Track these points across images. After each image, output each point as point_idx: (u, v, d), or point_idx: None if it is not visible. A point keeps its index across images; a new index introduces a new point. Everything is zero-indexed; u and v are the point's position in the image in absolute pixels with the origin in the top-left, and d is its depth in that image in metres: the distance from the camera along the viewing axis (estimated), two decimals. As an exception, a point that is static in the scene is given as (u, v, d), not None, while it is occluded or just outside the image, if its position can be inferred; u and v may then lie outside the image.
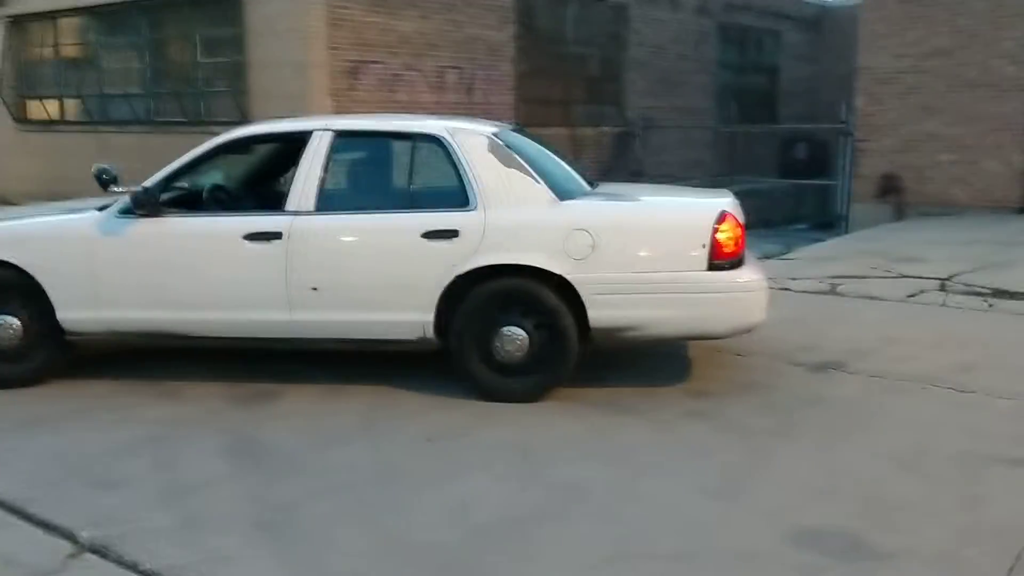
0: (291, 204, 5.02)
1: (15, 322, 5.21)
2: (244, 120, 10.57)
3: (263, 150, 5.71)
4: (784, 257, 9.69)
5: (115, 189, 5.19)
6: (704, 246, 4.79)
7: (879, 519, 3.52)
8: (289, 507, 3.68)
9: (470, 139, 5.06)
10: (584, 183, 5.57)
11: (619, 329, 4.88)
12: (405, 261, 4.91)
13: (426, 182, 5.16)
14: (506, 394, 4.92)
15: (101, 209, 5.23)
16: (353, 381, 5.27)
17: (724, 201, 5.06)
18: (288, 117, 6.26)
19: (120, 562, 3.27)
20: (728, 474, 3.97)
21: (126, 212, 5.11)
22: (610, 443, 4.36)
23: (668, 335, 5.00)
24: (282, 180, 5.20)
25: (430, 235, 4.86)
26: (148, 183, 5.13)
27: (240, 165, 5.67)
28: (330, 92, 11.57)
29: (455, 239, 4.84)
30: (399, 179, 5.25)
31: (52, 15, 14.70)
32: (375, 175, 5.38)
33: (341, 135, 5.18)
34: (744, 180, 14.70)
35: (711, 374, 5.42)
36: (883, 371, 5.42)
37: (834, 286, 7.88)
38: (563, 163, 5.69)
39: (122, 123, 13.77)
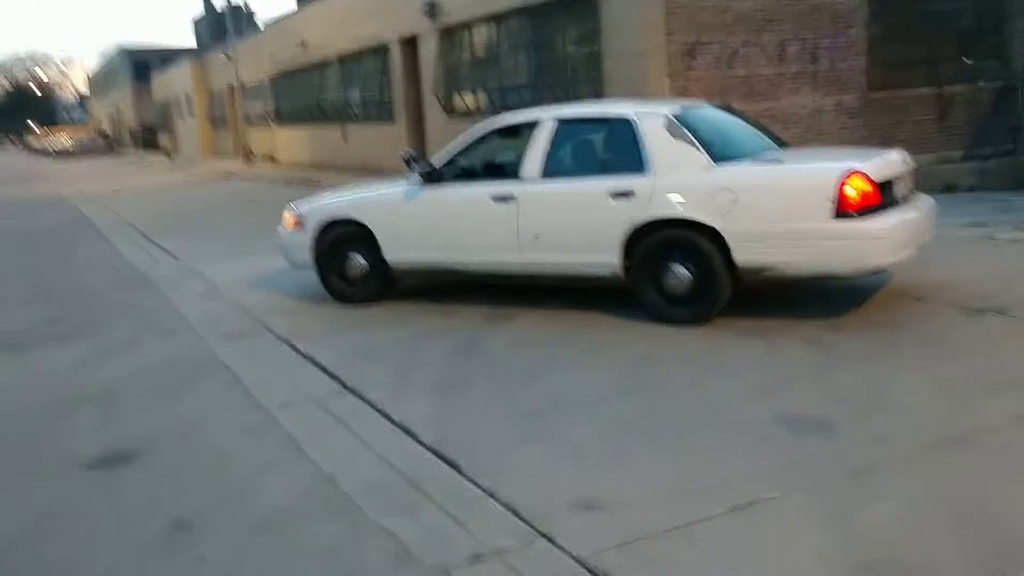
0: (523, 173, 6.79)
1: (362, 260, 7.64)
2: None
3: (510, 134, 7.48)
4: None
5: (415, 167, 7.41)
6: (831, 200, 5.64)
7: (867, 418, 4.35)
8: (462, 380, 5.49)
9: (650, 119, 6.38)
10: (770, 148, 6.64)
11: (759, 269, 5.92)
12: (598, 215, 6.41)
13: (617, 154, 6.58)
14: (672, 318, 6.22)
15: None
16: (572, 308, 6.88)
17: (860, 164, 5.78)
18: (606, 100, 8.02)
19: (358, 395, 5.33)
20: (784, 381, 4.96)
21: (420, 183, 7.25)
22: (716, 356, 5.51)
23: (801, 274, 5.91)
24: (520, 155, 6.94)
25: (615, 195, 6.31)
26: (434, 160, 7.23)
27: (495, 145, 7.51)
28: (668, 74, 13.01)
29: (632, 198, 6.23)
30: (598, 152, 6.78)
31: (467, 24, 17.99)
32: (582, 149, 6.89)
33: (561, 121, 6.83)
34: None
35: (866, 314, 6.14)
36: (1041, 317, 5.72)
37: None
38: (751, 132, 6.79)
39: (515, 110, 16.49)
